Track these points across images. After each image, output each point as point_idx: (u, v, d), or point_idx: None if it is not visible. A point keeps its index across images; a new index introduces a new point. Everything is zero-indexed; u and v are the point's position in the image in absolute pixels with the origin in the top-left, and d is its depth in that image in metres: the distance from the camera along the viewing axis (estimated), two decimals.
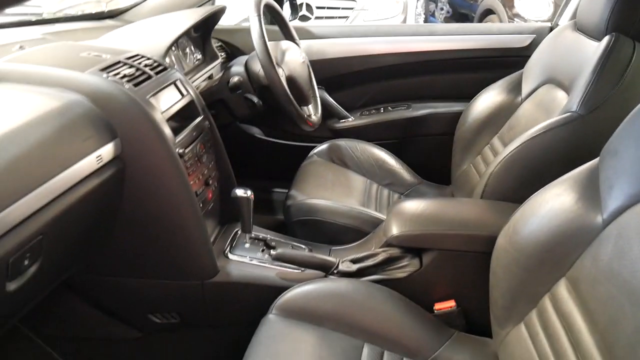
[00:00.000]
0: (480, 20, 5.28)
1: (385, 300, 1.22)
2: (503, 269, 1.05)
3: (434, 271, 1.28)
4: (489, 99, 1.74)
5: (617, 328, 0.75)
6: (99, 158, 1.10)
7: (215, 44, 1.97)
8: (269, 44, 1.59)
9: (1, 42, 1.37)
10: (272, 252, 1.36)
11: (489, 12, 5.22)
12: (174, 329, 1.39)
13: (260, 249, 1.41)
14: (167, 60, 1.59)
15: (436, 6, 6.54)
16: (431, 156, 2.03)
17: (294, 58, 1.61)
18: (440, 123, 2.03)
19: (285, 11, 2.17)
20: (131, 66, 1.27)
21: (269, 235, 1.47)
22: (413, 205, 1.36)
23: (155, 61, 1.36)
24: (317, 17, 4.26)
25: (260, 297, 1.26)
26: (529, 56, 1.69)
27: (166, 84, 1.31)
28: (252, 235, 1.44)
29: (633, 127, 0.87)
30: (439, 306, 1.27)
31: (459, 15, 6.32)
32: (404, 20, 4.45)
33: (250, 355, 1.06)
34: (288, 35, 1.76)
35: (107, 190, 1.16)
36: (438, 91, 2.08)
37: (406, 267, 1.30)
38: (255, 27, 1.46)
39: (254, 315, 1.20)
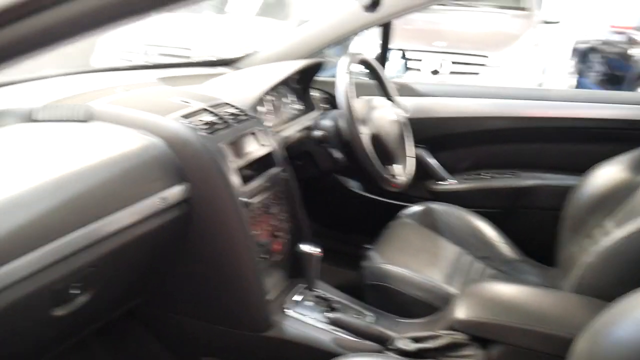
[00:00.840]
0: (632, 85, 4.80)
1: None
2: None
3: None
4: (608, 174, 1.54)
5: None
6: (163, 199, 1.14)
7: (322, 95, 2.00)
8: (360, 99, 1.56)
9: (115, 83, 1.51)
10: (329, 315, 1.29)
11: None
12: None
13: (322, 310, 1.35)
14: (263, 109, 1.63)
15: (587, 66, 6.09)
16: (536, 231, 1.84)
17: (383, 115, 1.56)
18: (549, 196, 1.83)
19: (394, 67, 2.14)
20: (213, 114, 1.31)
21: (335, 296, 1.41)
22: (489, 288, 1.22)
23: (239, 110, 1.39)
24: (451, 73, 4.17)
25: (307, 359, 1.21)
26: None
27: (244, 133, 1.34)
28: (318, 293, 1.39)
29: None
30: None
31: (611, 76, 5.82)
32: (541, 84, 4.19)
33: None
34: (384, 92, 1.72)
35: (171, 231, 1.19)
36: (549, 161, 1.90)
37: (469, 358, 1.16)
38: (339, 83, 1.45)
39: None
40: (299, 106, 1.85)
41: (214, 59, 2.07)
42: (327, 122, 1.56)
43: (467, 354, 1.16)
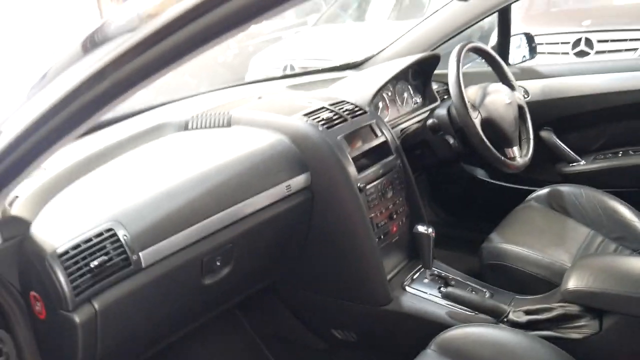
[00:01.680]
0: None
1: None
2: None
3: (616, 338, 1.12)
4: None
5: None
6: (288, 187, 1.33)
7: (443, 87, 2.06)
8: (474, 86, 1.62)
9: (253, 94, 1.75)
10: (443, 289, 1.37)
11: None
12: (353, 347, 1.52)
13: (439, 286, 1.44)
14: (380, 104, 1.77)
15: None
16: None
17: (495, 100, 1.59)
18: None
19: (520, 52, 2.11)
20: (331, 111, 1.48)
21: (451, 274, 1.49)
22: (602, 259, 1.22)
23: (356, 106, 1.54)
24: (597, 52, 3.89)
25: (425, 331, 1.30)
26: None
27: (360, 127, 1.48)
28: (434, 271, 1.48)
29: None
30: None
31: None
32: None
33: None
34: (501, 77, 1.74)
35: (296, 215, 1.38)
36: None
37: (583, 328, 1.16)
38: (451, 71, 1.52)
39: (416, 347, 1.25)
40: (418, 100, 1.95)
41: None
42: (441, 111, 1.64)
43: (581, 324, 1.17)
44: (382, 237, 1.46)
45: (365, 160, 1.48)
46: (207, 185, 1.21)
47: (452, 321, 1.32)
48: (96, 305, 1.02)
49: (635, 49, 3.85)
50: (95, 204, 1.12)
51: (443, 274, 1.48)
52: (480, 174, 2.13)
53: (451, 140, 1.60)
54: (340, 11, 6.14)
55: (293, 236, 1.43)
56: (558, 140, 1.95)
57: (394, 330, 1.42)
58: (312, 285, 1.52)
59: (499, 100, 1.61)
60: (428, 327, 1.32)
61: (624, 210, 1.67)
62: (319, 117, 1.44)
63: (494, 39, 2.20)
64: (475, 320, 1.31)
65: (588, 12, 4.36)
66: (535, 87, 1.96)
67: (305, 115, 1.44)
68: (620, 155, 1.87)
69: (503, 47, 2.04)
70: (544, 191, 1.77)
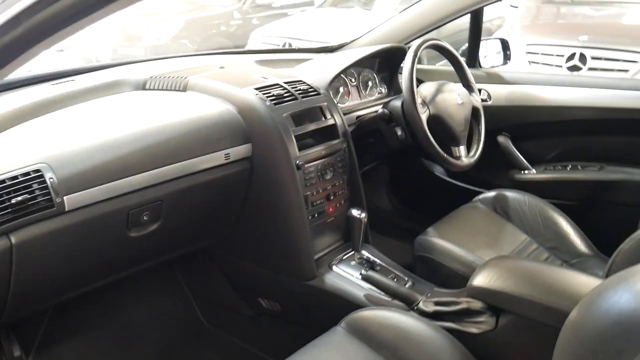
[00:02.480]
0: None
1: (445, 350, 1.17)
2: (562, 349, 0.93)
3: (508, 336, 1.17)
4: None
5: None
6: (227, 155, 1.38)
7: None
8: (428, 83, 1.65)
9: (218, 63, 1.78)
10: (364, 272, 1.43)
11: None
12: (276, 317, 1.58)
13: (364, 270, 1.49)
14: (342, 89, 1.81)
15: None
16: (615, 228, 1.75)
17: (447, 98, 1.63)
18: (635, 192, 1.73)
19: (495, 57, 2.14)
20: (284, 89, 1.52)
21: (379, 260, 1.54)
22: (512, 261, 1.27)
23: (310, 87, 1.58)
24: (590, 69, 3.91)
25: (342, 309, 1.35)
26: None
27: (310, 107, 1.52)
28: (363, 255, 1.53)
29: None
30: None
31: None
32: None
33: (301, 355, 1.16)
34: (461, 77, 1.77)
35: (233, 183, 1.43)
36: (637, 155, 1.78)
37: (481, 324, 1.22)
38: (406, 65, 1.56)
39: (331, 323, 1.30)
40: (383, 90, 1.98)
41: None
42: (396, 103, 1.68)
43: (480, 320, 1.23)
44: (316, 215, 1.51)
45: (310, 140, 1.52)
46: (144, 142, 1.25)
47: (368, 303, 1.37)
48: (13, 239, 1.06)
49: (627, 71, 3.88)
50: (29, 145, 1.16)
51: (372, 258, 1.53)
52: (438, 170, 2.17)
53: (399, 132, 1.64)
54: None
55: (230, 203, 1.47)
56: (513, 147, 1.98)
57: (314, 304, 1.48)
58: (244, 253, 1.58)
59: (451, 99, 1.64)
60: (345, 306, 1.38)
61: (562, 222, 1.71)
62: (270, 92, 1.48)
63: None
64: (390, 305, 1.36)
65: (590, 28, 4.37)
66: (500, 92, 1.99)
67: (257, 89, 1.48)
68: (569, 169, 1.91)
69: (473, 49, 2.07)
70: (490, 194, 1.82)
